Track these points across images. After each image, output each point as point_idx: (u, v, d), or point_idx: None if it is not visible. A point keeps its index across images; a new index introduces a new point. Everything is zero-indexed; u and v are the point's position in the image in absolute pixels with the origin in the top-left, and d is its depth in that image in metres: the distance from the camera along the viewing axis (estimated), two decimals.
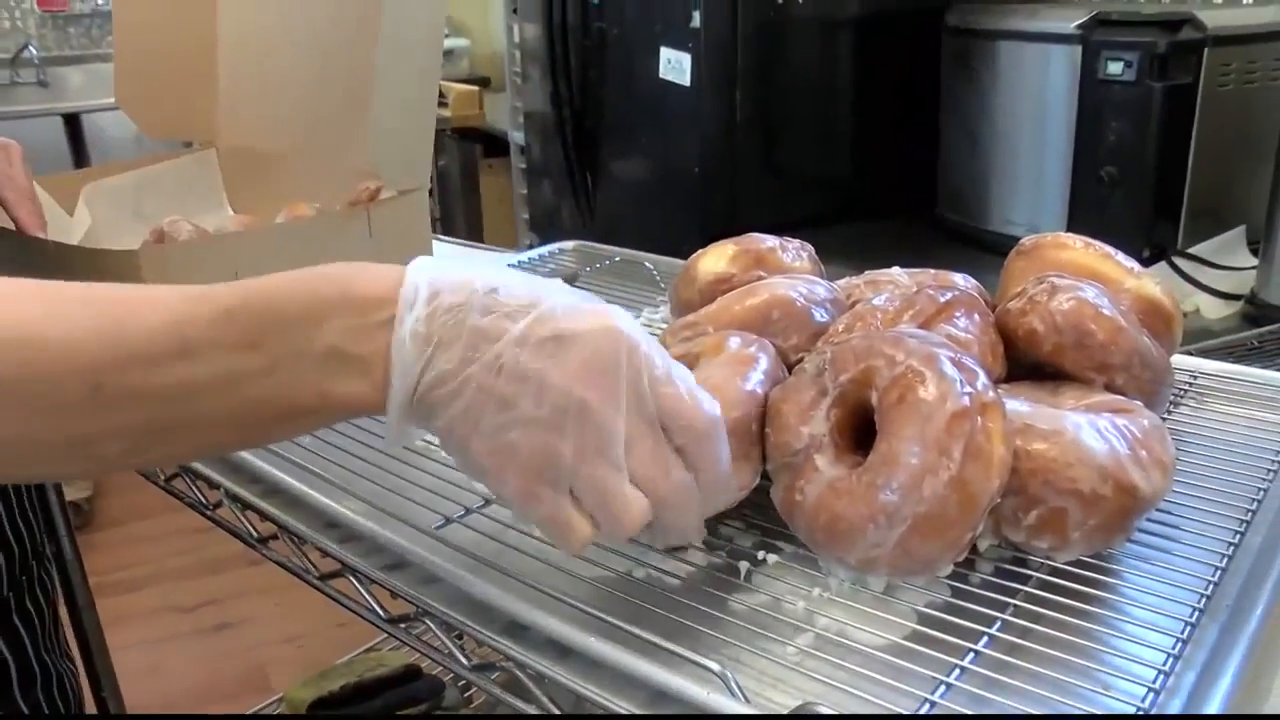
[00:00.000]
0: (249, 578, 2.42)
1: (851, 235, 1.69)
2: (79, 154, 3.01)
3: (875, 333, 0.59)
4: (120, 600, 2.36)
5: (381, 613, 0.65)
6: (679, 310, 0.80)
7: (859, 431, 0.56)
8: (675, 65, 1.74)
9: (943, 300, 0.64)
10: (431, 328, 0.50)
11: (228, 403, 0.51)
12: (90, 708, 1.34)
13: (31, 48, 3.37)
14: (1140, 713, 0.48)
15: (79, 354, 0.49)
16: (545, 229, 2.37)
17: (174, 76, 1.13)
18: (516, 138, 2.59)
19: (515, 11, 2.45)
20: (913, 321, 0.62)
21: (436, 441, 0.60)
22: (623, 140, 2.01)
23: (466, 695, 1.50)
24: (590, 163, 2.09)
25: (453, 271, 0.52)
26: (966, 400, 0.52)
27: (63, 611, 1.13)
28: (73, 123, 2.99)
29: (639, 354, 0.50)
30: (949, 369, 0.53)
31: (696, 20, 1.70)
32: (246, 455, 0.75)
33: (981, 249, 1.64)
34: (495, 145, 2.96)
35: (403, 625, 0.64)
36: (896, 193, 1.82)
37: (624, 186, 2.04)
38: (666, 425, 0.51)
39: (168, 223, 0.98)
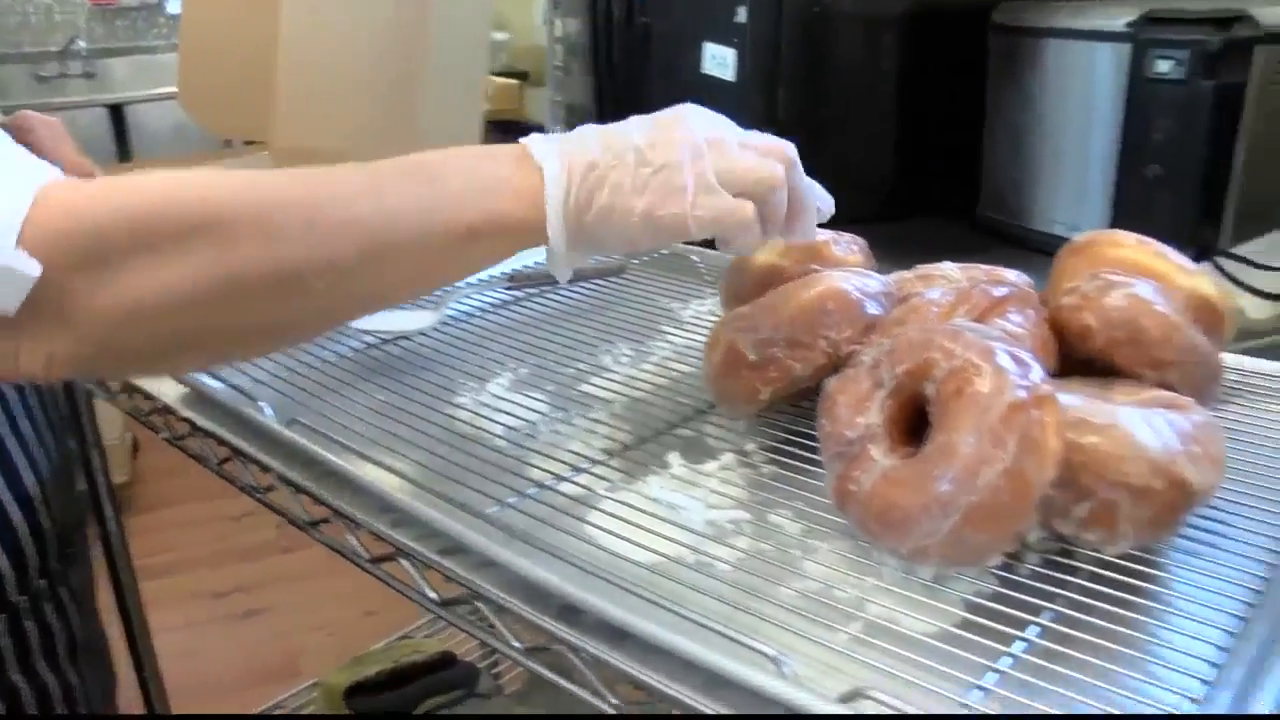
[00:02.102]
0: (280, 565, 2.45)
1: (894, 234, 1.68)
2: (122, 144, 3.04)
3: (932, 326, 0.59)
4: (153, 585, 2.38)
5: (434, 596, 0.66)
6: (729, 302, 0.81)
7: (913, 423, 0.57)
8: (719, 60, 1.75)
9: (997, 295, 0.64)
10: (564, 148, 0.64)
11: (414, 230, 0.62)
12: (131, 687, 1.36)
13: (80, 40, 3.41)
14: (1189, 712, 0.48)
15: (292, 193, 0.61)
16: None
17: (235, 76, 1.14)
18: (555, 131, 2.59)
19: (556, 6, 2.46)
20: (967, 315, 0.63)
21: (492, 419, 0.63)
22: None
23: (500, 683, 1.52)
24: None
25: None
26: (1023, 393, 0.52)
27: (103, 597, 1.15)
28: (117, 113, 3.03)
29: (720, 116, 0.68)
30: (1006, 362, 0.53)
31: (741, 15, 1.70)
32: (299, 438, 0.76)
33: (1024, 248, 1.63)
34: None
35: (454, 608, 0.65)
36: (940, 192, 1.82)
37: None
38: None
39: None
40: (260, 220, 0.59)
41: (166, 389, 0.87)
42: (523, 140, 0.65)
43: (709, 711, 0.51)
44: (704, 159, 0.64)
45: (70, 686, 0.96)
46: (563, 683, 0.57)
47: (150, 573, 2.43)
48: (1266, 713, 0.48)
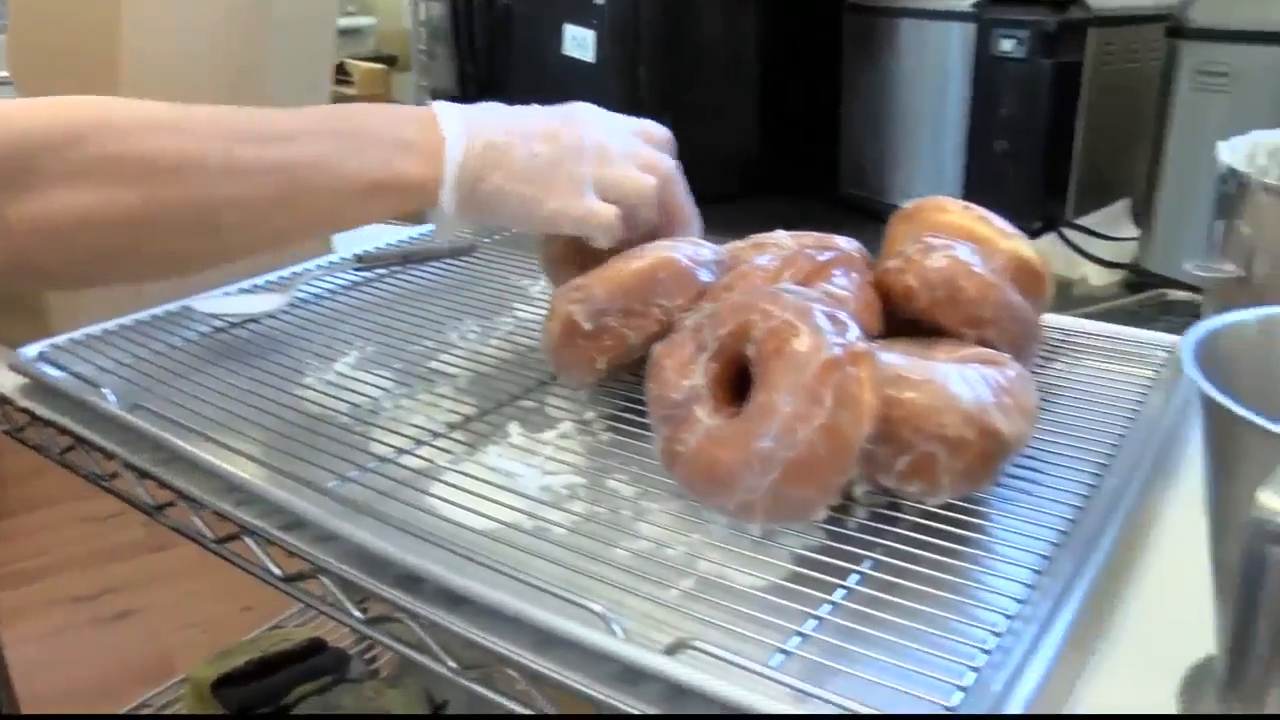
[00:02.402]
0: (152, 565, 2.39)
1: (756, 212, 1.72)
2: None
3: (753, 289, 0.61)
4: (16, 594, 2.32)
5: (277, 572, 0.66)
6: (550, 267, 0.82)
7: (737, 384, 0.58)
8: (579, 42, 1.75)
9: (821, 259, 0.66)
10: (470, 123, 0.71)
11: (322, 176, 0.68)
12: None
13: None
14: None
15: (213, 130, 0.66)
16: None
17: (73, 57, 1.11)
18: None
19: None
20: (792, 279, 0.65)
21: (338, 397, 0.63)
22: None
23: (373, 668, 1.51)
24: None
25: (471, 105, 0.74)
26: (838, 350, 0.54)
27: None
28: None
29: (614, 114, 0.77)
30: (822, 321, 0.55)
31: None
32: (142, 423, 0.75)
33: (882, 222, 1.67)
34: None
35: (299, 584, 0.65)
36: (801, 170, 1.85)
37: None
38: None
39: None
40: (181, 154, 0.65)
41: (3, 379, 0.84)
42: (433, 104, 0.73)
43: (541, 669, 0.52)
44: (585, 163, 0.73)
45: None
46: (403, 650, 0.58)
47: (13, 580, 2.36)
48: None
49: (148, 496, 0.75)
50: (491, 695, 0.55)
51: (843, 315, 0.57)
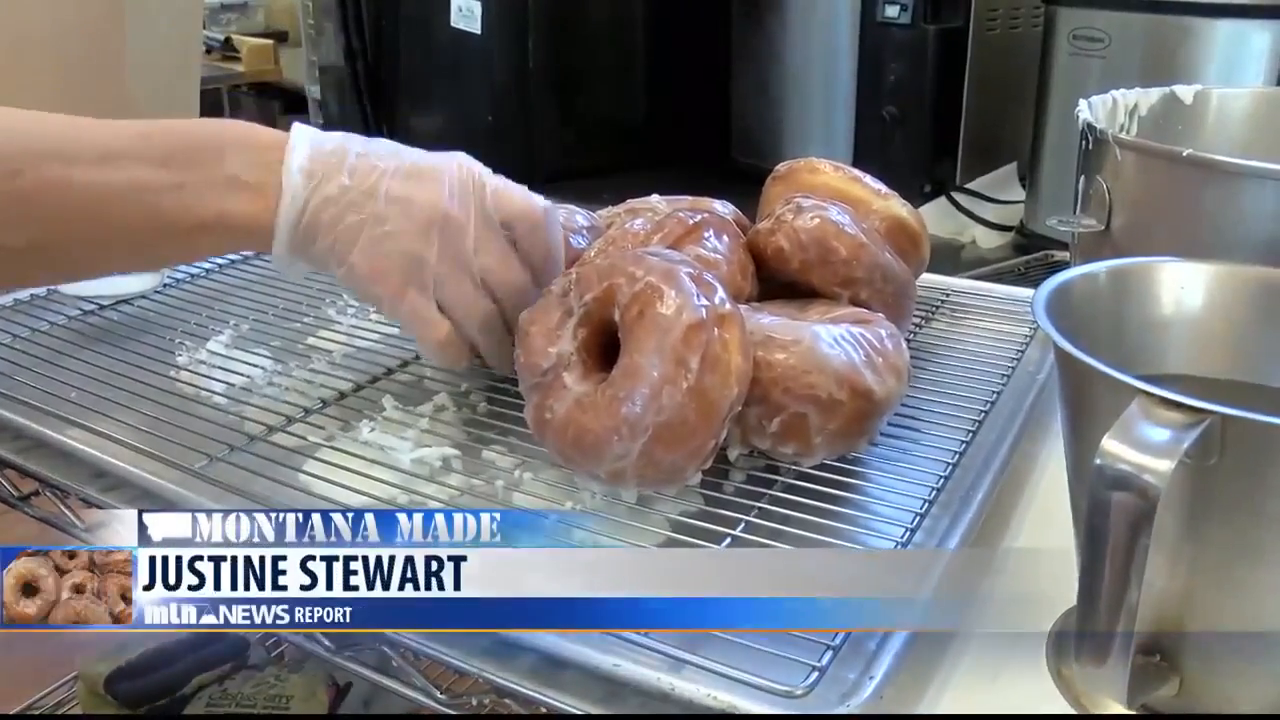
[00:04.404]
0: None
1: (646, 181, 1.71)
2: None
3: (620, 253, 0.61)
4: None
5: None
6: None
7: (605, 350, 0.58)
8: (466, 13, 1.73)
9: (691, 222, 0.66)
10: (315, 165, 0.61)
11: (136, 212, 0.59)
12: None
13: None
14: None
15: (5, 143, 0.56)
16: None
17: None
18: (314, 92, 2.52)
19: None
20: (662, 243, 0.64)
21: (211, 377, 0.62)
22: (418, 92, 1.98)
23: (276, 653, 1.48)
24: (388, 116, 2.06)
25: (331, 134, 0.63)
26: (703, 313, 0.54)
27: None
28: None
29: (483, 178, 0.64)
30: (687, 284, 0.55)
31: None
32: (5, 411, 0.73)
33: None
34: (294, 101, 2.88)
35: None
36: (691, 138, 1.85)
37: (421, 139, 2.01)
38: (508, 222, 0.64)
39: None
40: None
41: None
42: (294, 130, 0.63)
43: (424, 648, 0.51)
44: (434, 254, 0.62)
45: None
46: (292, 638, 0.57)
47: None
48: None
49: (12, 489, 0.72)
50: (385, 681, 0.54)
51: (709, 277, 0.56)
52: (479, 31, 1.71)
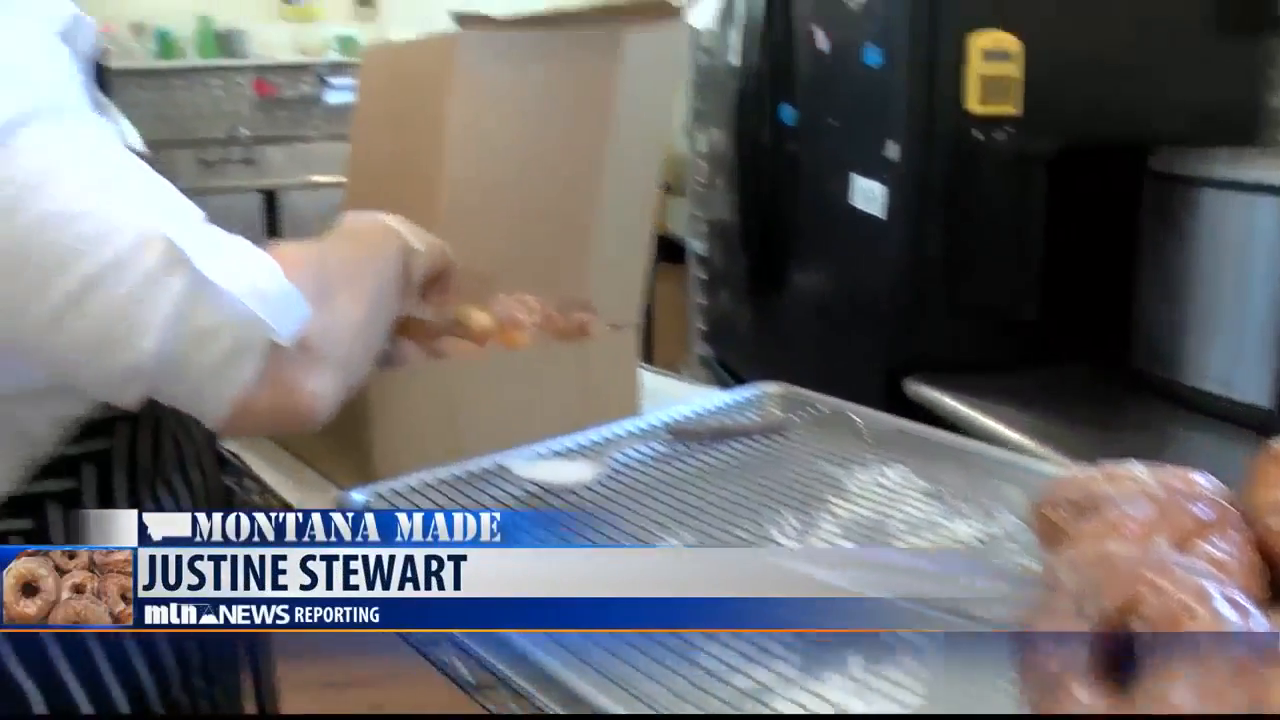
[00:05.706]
0: None
1: (1043, 381, 1.66)
2: (273, 228, 3.17)
3: (1135, 556, 0.57)
4: None
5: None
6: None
7: (1114, 654, 0.55)
8: (868, 195, 1.75)
9: (1201, 517, 0.62)
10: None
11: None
12: None
13: (242, 129, 3.58)
14: None
15: None
16: (719, 339, 2.38)
17: (399, 197, 1.17)
18: (695, 246, 2.61)
19: (698, 117, 2.49)
20: (1169, 537, 0.60)
21: None
22: (808, 259, 2.01)
23: None
24: (774, 278, 2.09)
25: None
26: (1248, 648, 0.50)
27: None
28: (270, 198, 3.16)
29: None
30: (1223, 607, 0.51)
31: (892, 151, 1.70)
32: None
33: (1176, 403, 1.59)
34: (672, 251, 2.98)
35: None
36: (1084, 338, 1.78)
37: (805, 306, 2.04)
38: None
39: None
40: None
41: None
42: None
43: None
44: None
45: None
46: None
47: None
48: None
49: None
50: None
51: (1240, 598, 0.52)
52: (881, 215, 1.72)
